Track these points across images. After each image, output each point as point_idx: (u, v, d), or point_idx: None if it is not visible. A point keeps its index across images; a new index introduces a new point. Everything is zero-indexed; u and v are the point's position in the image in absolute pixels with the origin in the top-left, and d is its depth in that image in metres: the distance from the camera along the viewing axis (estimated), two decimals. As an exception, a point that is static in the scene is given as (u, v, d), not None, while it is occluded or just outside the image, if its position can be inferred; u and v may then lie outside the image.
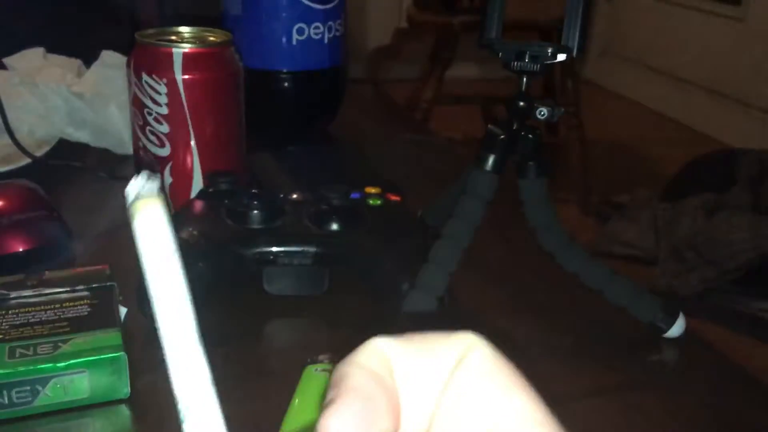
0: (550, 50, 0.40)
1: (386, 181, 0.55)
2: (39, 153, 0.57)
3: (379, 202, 0.45)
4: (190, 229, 0.42)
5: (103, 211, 0.53)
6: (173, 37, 0.48)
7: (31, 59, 0.62)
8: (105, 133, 0.62)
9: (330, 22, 0.68)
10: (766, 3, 2.42)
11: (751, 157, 1.86)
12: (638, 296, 0.42)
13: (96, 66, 0.64)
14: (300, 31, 0.66)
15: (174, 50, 0.44)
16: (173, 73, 0.45)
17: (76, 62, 0.65)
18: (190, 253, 0.41)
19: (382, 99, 0.93)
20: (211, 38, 0.48)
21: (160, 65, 0.45)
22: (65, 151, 0.61)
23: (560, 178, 2.15)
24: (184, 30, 0.49)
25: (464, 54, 1.91)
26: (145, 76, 0.45)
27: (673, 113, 2.80)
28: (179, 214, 0.44)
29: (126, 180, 0.15)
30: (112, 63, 0.64)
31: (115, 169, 0.59)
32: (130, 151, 0.52)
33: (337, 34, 0.69)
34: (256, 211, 0.42)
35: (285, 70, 0.68)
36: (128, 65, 0.46)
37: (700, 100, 2.70)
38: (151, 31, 0.48)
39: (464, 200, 0.41)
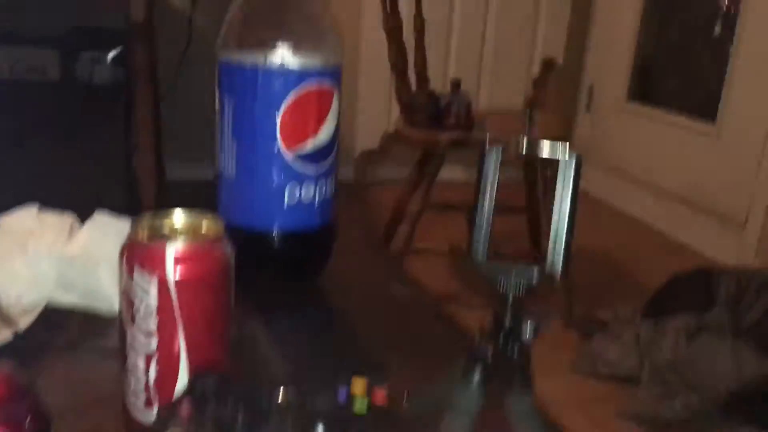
0: (535, 274, 0.41)
1: (373, 365, 0.55)
2: (23, 323, 0.57)
3: (364, 409, 0.45)
4: (174, 440, 0.41)
5: (89, 396, 0.52)
6: (167, 225, 0.48)
7: (23, 220, 0.63)
8: (94, 295, 0.62)
9: (322, 184, 0.69)
10: (740, 121, 2.51)
11: (730, 276, 1.88)
12: None
13: (88, 227, 0.64)
14: (291, 195, 0.68)
15: (167, 247, 0.45)
16: (165, 270, 0.45)
17: (69, 220, 0.66)
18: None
19: (370, 240, 0.94)
20: (206, 228, 0.49)
21: (152, 261, 0.45)
22: (51, 317, 0.60)
23: (543, 290, 2.17)
24: (179, 217, 0.49)
25: (450, 156, 1.95)
26: (136, 271, 0.45)
27: (653, 223, 2.85)
28: (160, 421, 0.43)
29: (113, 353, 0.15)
30: (104, 224, 0.64)
31: (102, 339, 0.58)
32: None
33: (328, 193, 0.70)
34: (240, 423, 0.42)
35: (275, 232, 0.69)
36: (120, 256, 0.47)
37: (679, 212, 2.75)
38: (145, 219, 0.49)
39: (451, 418, 0.41)
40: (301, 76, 0.65)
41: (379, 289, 0.75)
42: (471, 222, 0.42)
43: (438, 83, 2.27)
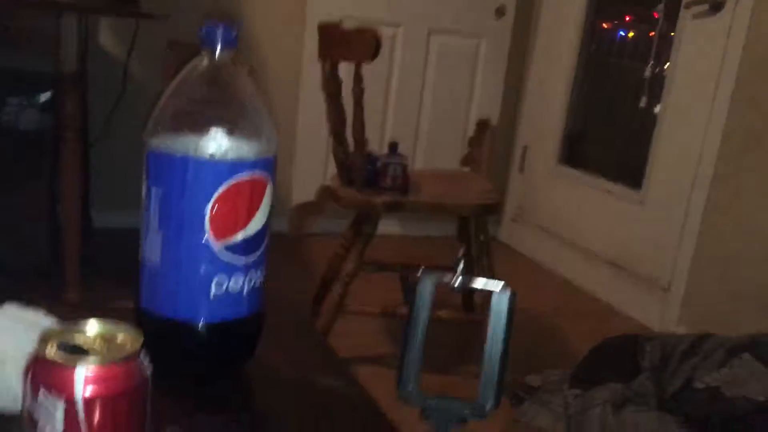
0: (465, 411, 0.40)
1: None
2: None
3: None
4: None
5: None
6: (79, 339, 0.45)
7: None
8: (-3, 394, 0.58)
9: (251, 274, 0.67)
10: (664, 188, 2.61)
11: (655, 343, 1.93)
12: None
13: (-5, 319, 0.60)
14: (219, 285, 0.65)
15: (76, 369, 0.42)
16: (73, 392, 0.42)
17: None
18: None
19: (300, 323, 0.91)
20: (120, 340, 0.46)
21: (60, 382, 0.42)
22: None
23: (476, 353, 2.18)
24: (90, 328, 0.46)
25: (385, 214, 1.95)
26: (42, 392, 0.42)
27: (583, 284, 2.91)
28: None
29: None
30: (12, 316, 0.60)
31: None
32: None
33: (258, 282, 0.68)
34: None
35: (201, 322, 0.66)
36: (25, 374, 0.43)
37: (607, 275, 2.83)
38: (55, 332, 0.46)
39: None
40: (234, 166, 0.63)
41: (308, 381, 0.72)
42: (402, 354, 0.41)
43: (375, 144, 2.29)
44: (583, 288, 2.90)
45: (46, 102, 2.13)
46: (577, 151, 3.15)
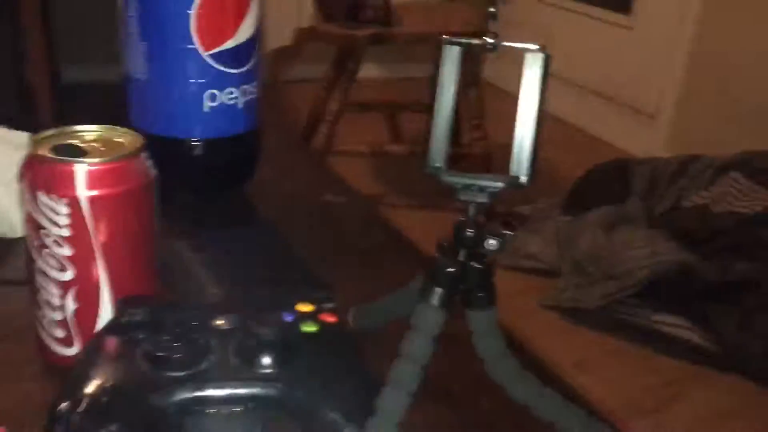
0: (498, 183, 0.37)
1: (316, 283, 0.51)
2: None
3: (314, 328, 0.41)
4: (99, 381, 0.37)
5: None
6: (74, 143, 0.42)
7: None
8: (-10, 218, 0.55)
9: (245, 86, 0.63)
10: (654, 13, 2.53)
11: (644, 167, 1.94)
12: (591, 427, 0.40)
13: (-23, 142, 0.56)
14: (212, 98, 0.61)
15: (76, 167, 0.39)
16: (75, 191, 0.39)
17: (-47, 134, 0.58)
18: (99, 414, 0.36)
19: (291, 142, 0.88)
20: (120, 143, 0.43)
21: (60, 183, 0.39)
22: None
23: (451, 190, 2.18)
24: (87, 132, 0.43)
25: (366, 56, 1.88)
26: (41, 195, 0.39)
27: (566, 116, 2.89)
28: (85, 357, 0.39)
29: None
30: (-4, 138, 0.56)
31: (6, 267, 0.52)
32: (21, 233, 0.46)
33: (252, 97, 0.64)
34: (177, 355, 0.38)
35: (196, 138, 0.62)
36: (21, 178, 0.40)
37: (593, 105, 2.80)
38: (47, 133, 0.42)
39: (410, 337, 0.38)
40: (216, -39, 0.57)
41: (310, 197, 0.70)
42: (428, 125, 0.38)
43: (352, -25, 2.15)
44: (569, 120, 2.88)
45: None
46: (562, -22, 3.01)
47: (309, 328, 0.41)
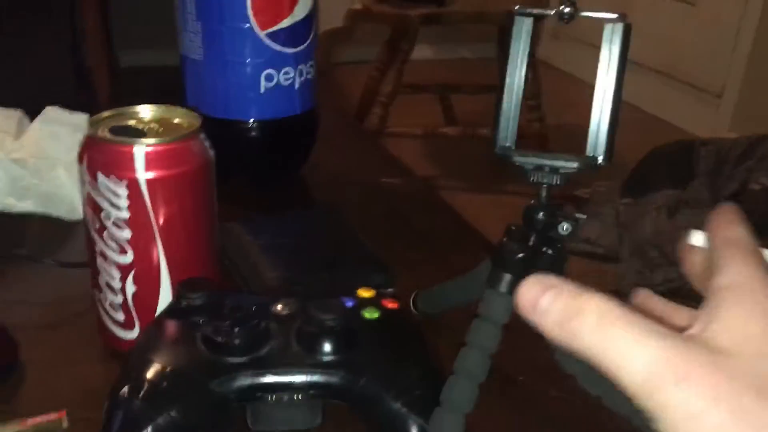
0: (574, 163, 0.35)
1: (376, 267, 0.50)
2: (-25, 236, 0.50)
3: (376, 315, 0.40)
4: (159, 365, 0.36)
5: (58, 315, 0.47)
6: (132, 123, 0.41)
7: (-39, 119, 0.55)
8: (52, 200, 0.55)
9: (301, 66, 0.62)
10: (719, -13, 2.42)
11: (709, 149, 1.86)
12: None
13: (38, 123, 0.56)
14: (269, 78, 0.60)
15: (135, 148, 0.38)
16: (134, 172, 0.38)
17: (16, 116, 0.58)
18: (159, 400, 0.35)
19: (346, 124, 0.87)
20: (178, 123, 0.42)
21: (119, 165, 0.38)
22: (6, 228, 0.54)
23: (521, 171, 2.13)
24: (145, 112, 0.42)
25: (419, 36, 1.85)
26: (101, 177, 0.39)
27: (625, 97, 2.79)
28: (145, 341, 0.38)
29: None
30: (55, 119, 0.56)
31: (67, 249, 0.52)
32: (82, 215, 0.45)
33: (309, 77, 0.63)
34: (238, 340, 0.37)
35: (253, 120, 0.62)
36: (80, 161, 0.40)
37: (653, 85, 2.70)
38: (105, 114, 0.41)
39: (478, 325, 0.36)
40: (273, -64, 0.56)
41: (366, 179, 0.69)
42: (497, 104, 0.36)
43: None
44: (629, 100, 2.79)
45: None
46: (622, -47, 2.90)
47: (371, 314, 0.40)
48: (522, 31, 0.35)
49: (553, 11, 0.34)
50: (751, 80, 2.32)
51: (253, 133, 0.62)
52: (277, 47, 0.59)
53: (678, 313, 0.32)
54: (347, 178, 0.70)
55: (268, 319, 0.39)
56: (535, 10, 0.35)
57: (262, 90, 0.60)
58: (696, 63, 2.52)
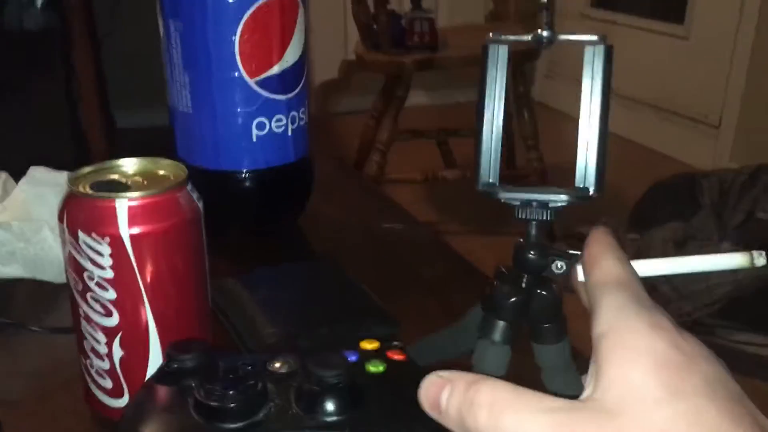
0: (563, 197, 0.32)
1: (380, 317, 0.47)
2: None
3: (381, 368, 0.37)
4: (150, 435, 0.33)
5: (45, 383, 0.44)
6: (115, 177, 0.39)
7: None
8: (40, 263, 0.53)
9: (293, 112, 0.60)
10: (708, 20, 2.44)
11: (711, 180, 1.85)
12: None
13: (23, 185, 0.54)
14: (260, 126, 0.58)
15: (117, 202, 0.36)
16: (117, 229, 0.36)
17: (1, 177, 0.56)
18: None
19: (343, 173, 0.85)
20: (163, 175, 0.40)
21: (101, 221, 0.36)
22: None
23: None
24: (128, 165, 0.40)
25: (414, 82, 1.85)
26: (82, 235, 0.36)
27: (624, 133, 2.80)
28: (134, 409, 0.35)
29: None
30: (41, 180, 0.55)
31: (55, 314, 0.50)
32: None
33: (302, 123, 0.61)
34: (233, 404, 0.34)
35: (246, 170, 0.60)
36: (60, 220, 0.38)
37: (650, 119, 2.71)
38: (86, 170, 0.39)
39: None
40: (258, -16, 0.55)
41: (367, 226, 0.67)
42: (476, 138, 0.33)
43: (395, 3, 2.15)
44: (628, 137, 2.79)
45: (46, -1, 2.02)
46: (610, -8, 2.95)
47: (375, 368, 0.37)
48: (497, 59, 0.33)
49: (530, 36, 0.32)
50: (748, 110, 2.32)
51: (247, 183, 0.60)
52: (268, 94, 0.58)
53: None
54: (347, 227, 0.67)
55: (265, 378, 0.36)
56: (511, 36, 0.33)
57: (254, 138, 0.58)
58: (693, 95, 2.52)
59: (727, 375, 0.22)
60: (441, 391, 0.25)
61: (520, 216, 0.33)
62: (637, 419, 0.21)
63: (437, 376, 0.26)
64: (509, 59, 0.33)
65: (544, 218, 0.33)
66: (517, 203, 0.33)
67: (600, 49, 0.32)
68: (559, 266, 0.33)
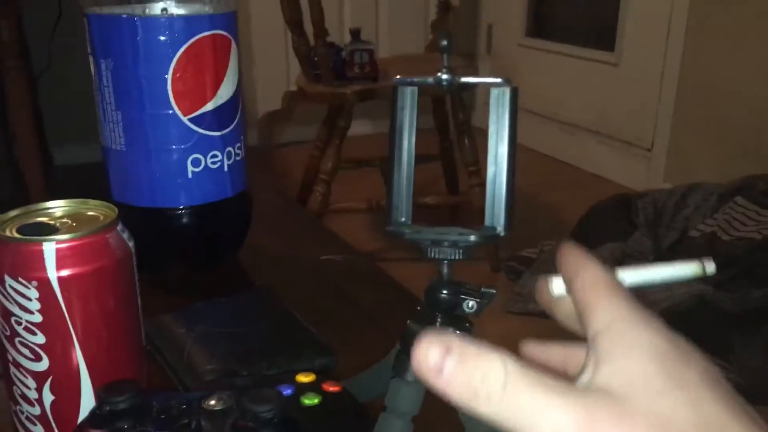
0: (471, 237, 0.33)
1: (318, 349, 0.48)
2: None
3: (316, 400, 0.38)
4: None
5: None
6: (43, 220, 0.39)
7: None
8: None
9: (229, 148, 0.60)
10: (636, 48, 2.54)
11: (646, 201, 1.91)
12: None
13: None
14: (196, 163, 0.59)
15: (44, 245, 0.36)
16: (45, 272, 0.36)
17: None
18: None
19: (285, 205, 0.86)
20: (92, 216, 0.40)
21: (27, 265, 0.36)
22: None
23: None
24: (56, 208, 0.40)
25: (354, 110, 1.87)
26: (9, 280, 0.36)
27: (561, 156, 2.88)
28: (67, 454, 0.35)
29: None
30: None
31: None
32: None
33: (238, 158, 0.62)
34: (167, 445, 0.34)
35: (183, 206, 0.60)
36: (-15, 263, 0.37)
37: (587, 142, 2.79)
38: (12, 214, 0.39)
39: (384, 420, 0.34)
40: (191, 23, 0.55)
41: (307, 258, 0.67)
42: (388, 180, 0.34)
43: (335, 35, 2.17)
44: (566, 160, 2.87)
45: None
46: (544, 22, 3.04)
47: (310, 400, 0.38)
48: (406, 101, 0.34)
49: (432, 78, 0.33)
50: (678, 132, 2.42)
51: (184, 219, 0.60)
52: (203, 131, 0.58)
53: (571, 356, 0.31)
54: (287, 259, 0.68)
55: (200, 416, 0.36)
56: (416, 79, 0.34)
57: (190, 175, 0.58)
58: (625, 119, 2.61)
59: (719, 372, 0.23)
60: (446, 358, 0.23)
61: (431, 256, 0.33)
62: (642, 406, 0.22)
63: (437, 339, 0.23)
64: (414, 95, 0.34)
65: (455, 258, 0.33)
66: (427, 243, 0.33)
67: (505, 92, 0.33)
68: (470, 305, 0.33)
